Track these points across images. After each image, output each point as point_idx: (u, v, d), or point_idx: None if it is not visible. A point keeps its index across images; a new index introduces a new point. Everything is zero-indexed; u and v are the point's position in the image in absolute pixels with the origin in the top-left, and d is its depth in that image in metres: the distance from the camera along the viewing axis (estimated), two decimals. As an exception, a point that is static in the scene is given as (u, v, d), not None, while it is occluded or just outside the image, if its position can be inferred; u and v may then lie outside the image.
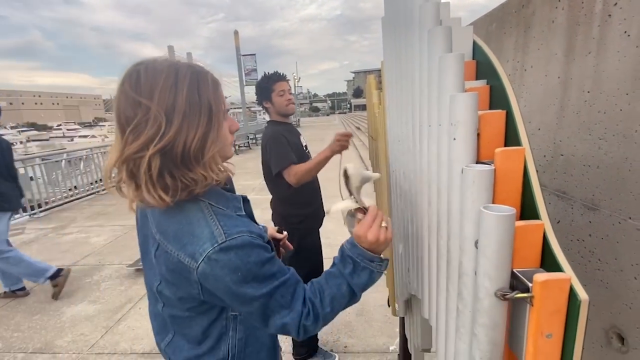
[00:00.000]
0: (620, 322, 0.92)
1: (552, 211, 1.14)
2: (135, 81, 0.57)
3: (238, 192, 0.76)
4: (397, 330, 2.28)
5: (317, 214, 1.99)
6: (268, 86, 1.81)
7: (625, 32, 0.83)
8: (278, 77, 1.82)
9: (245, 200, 0.75)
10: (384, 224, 0.69)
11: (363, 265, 0.69)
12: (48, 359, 2.19)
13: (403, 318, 1.57)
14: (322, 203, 2.06)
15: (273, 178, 1.81)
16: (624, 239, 0.88)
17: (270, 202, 1.98)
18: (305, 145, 1.96)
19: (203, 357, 0.72)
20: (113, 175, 0.62)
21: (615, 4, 0.85)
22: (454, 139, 0.51)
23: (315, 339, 2.07)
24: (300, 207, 1.89)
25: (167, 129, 0.56)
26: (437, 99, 0.57)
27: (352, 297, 0.71)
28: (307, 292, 0.70)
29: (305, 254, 1.91)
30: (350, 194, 0.76)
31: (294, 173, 1.69)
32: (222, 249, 0.59)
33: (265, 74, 1.88)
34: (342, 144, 1.64)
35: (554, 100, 1.11)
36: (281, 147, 1.74)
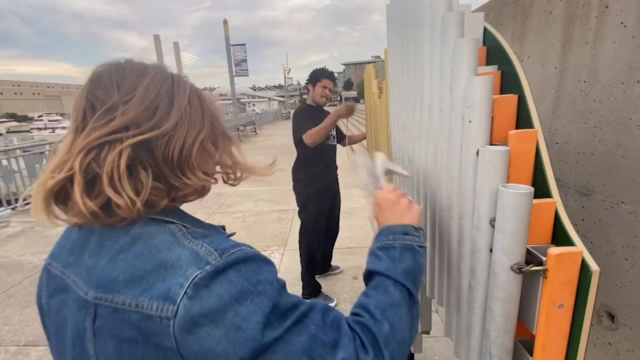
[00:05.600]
0: (610, 301, 0.98)
1: (547, 198, 1.18)
2: (114, 70, 0.44)
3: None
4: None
5: (324, 182, 2.35)
6: (318, 76, 2.22)
7: (622, 22, 0.86)
8: (329, 75, 2.23)
9: (222, 229, 0.53)
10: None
11: (397, 245, 0.52)
12: (43, 351, 2.16)
13: (400, 303, 1.62)
14: (335, 180, 2.46)
15: (296, 143, 2.24)
16: (616, 222, 0.93)
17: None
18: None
19: None
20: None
21: (613, -5, 0.87)
22: (470, 121, 0.52)
23: (318, 284, 2.51)
24: (308, 172, 2.30)
25: (163, 120, 0.43)
26: (450, 83, 0.59)
27: (406, 296, 0.49)
28: (347, 318, 0.47)
29: (306, 216, 2.37)
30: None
31: (309, 135, 2.06)
32: (216, 269, 0.38)
33: (325, 67, 2.32)
34: (349, 108, 1.99)
35: (550, 90, 1.15)
36: (303, 121, 2.14)
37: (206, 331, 0.36)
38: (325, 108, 2.36)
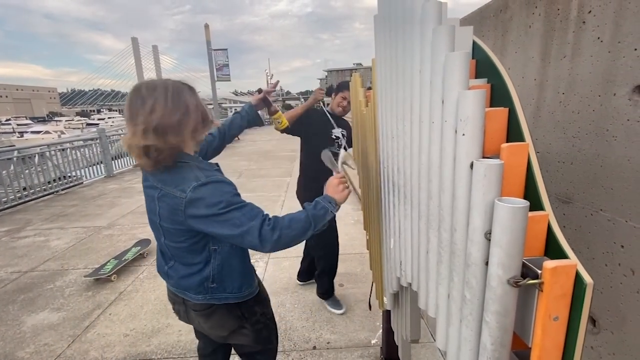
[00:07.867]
0: (592, 305, 1.00)
1: (528, 205, 1.22)
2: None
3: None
4: (378, 324, 2.33)
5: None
6: (341, 87, 2.39)
7: (599, 38, 0.89)
8: (347, 87, 2.35)
9: (217, 166, 1.14)
10: (347, 185, 1.14)
11: (323, 204, 1.05)
12: (8, 373, 2.02)
13: (388, 312, 1.61)
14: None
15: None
16: (596, 229, 0.96)
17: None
18: (337, 136, 2.40)
19: (194, 275, 1.07)
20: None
21: (590, 11, 0.91)
22: (463, 134, 0.52)
23: (332, 287, 2.55)
24: (307, 176, 2.45)
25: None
26: (441, 95, 0.59)
27: (307, 222, 1.00)
28: (269, 215, 1.01)
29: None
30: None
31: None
32: (202, 184, 0.94)
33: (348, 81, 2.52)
34: (318, 93, 2.21)
35: (530, 101, 1.18)
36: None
37: (197, 203, 0.93)
38: (346, 118, 2.46)
